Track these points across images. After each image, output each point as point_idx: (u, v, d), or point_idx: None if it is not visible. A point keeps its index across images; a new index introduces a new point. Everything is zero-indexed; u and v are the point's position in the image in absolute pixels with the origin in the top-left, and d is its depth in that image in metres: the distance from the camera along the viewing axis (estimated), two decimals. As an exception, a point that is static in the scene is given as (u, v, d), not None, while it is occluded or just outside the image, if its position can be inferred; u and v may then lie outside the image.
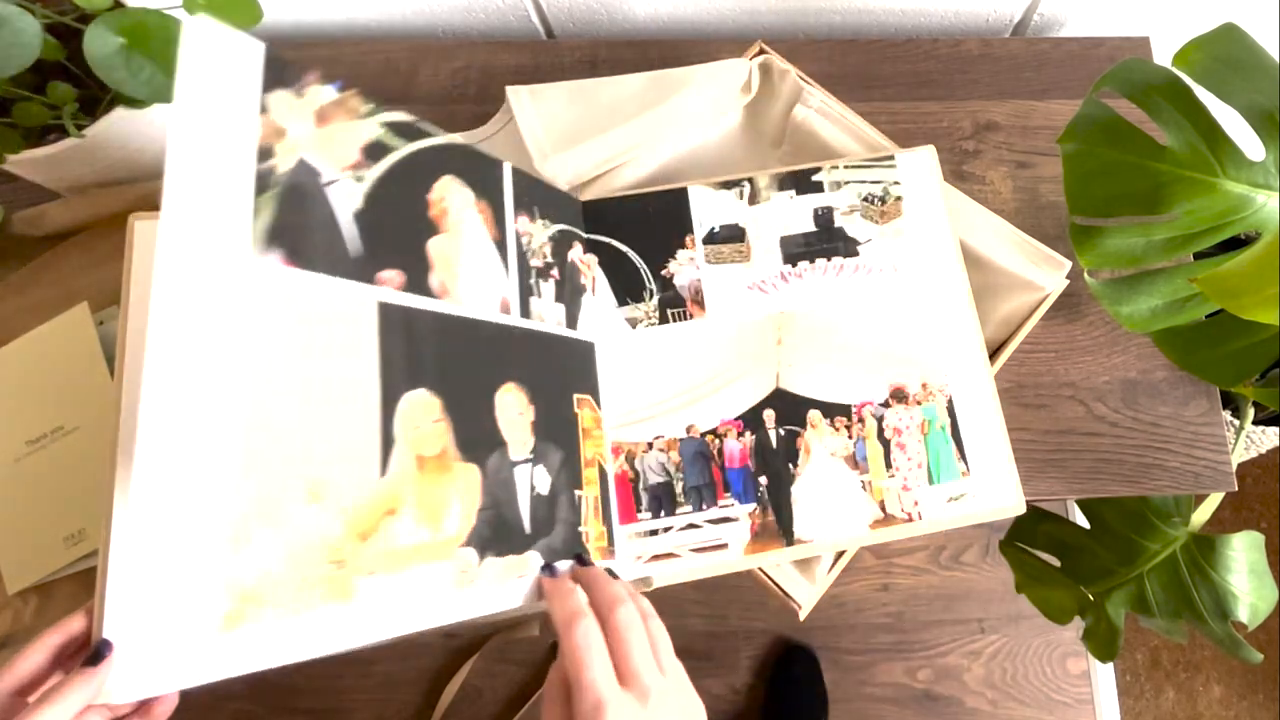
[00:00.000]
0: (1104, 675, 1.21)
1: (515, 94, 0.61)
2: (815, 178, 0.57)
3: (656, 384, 0.52)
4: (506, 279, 0.47)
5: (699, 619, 1.17)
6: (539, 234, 0.50)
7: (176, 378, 0.31)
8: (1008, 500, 0.50)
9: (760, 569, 0.53)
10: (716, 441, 0.51)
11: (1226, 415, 0.77)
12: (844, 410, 0.52)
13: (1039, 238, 0.59)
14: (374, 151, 0.40)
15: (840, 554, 0.55)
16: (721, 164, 0.64)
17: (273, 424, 0.33)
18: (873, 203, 0.56)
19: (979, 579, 1.22)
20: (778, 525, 0.50)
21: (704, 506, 0.50)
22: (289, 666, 0.43)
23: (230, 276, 0.33)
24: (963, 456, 0.51)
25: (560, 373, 0.49)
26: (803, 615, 0.54)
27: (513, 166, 0.50)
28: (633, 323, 0.53)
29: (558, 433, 0.47)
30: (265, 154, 0.35)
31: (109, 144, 0.54)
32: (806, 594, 0.54)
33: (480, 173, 0.47)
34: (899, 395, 0.53)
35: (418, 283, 0.41)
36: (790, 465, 0.51)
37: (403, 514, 0.37)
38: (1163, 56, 0.61)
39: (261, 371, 0.33)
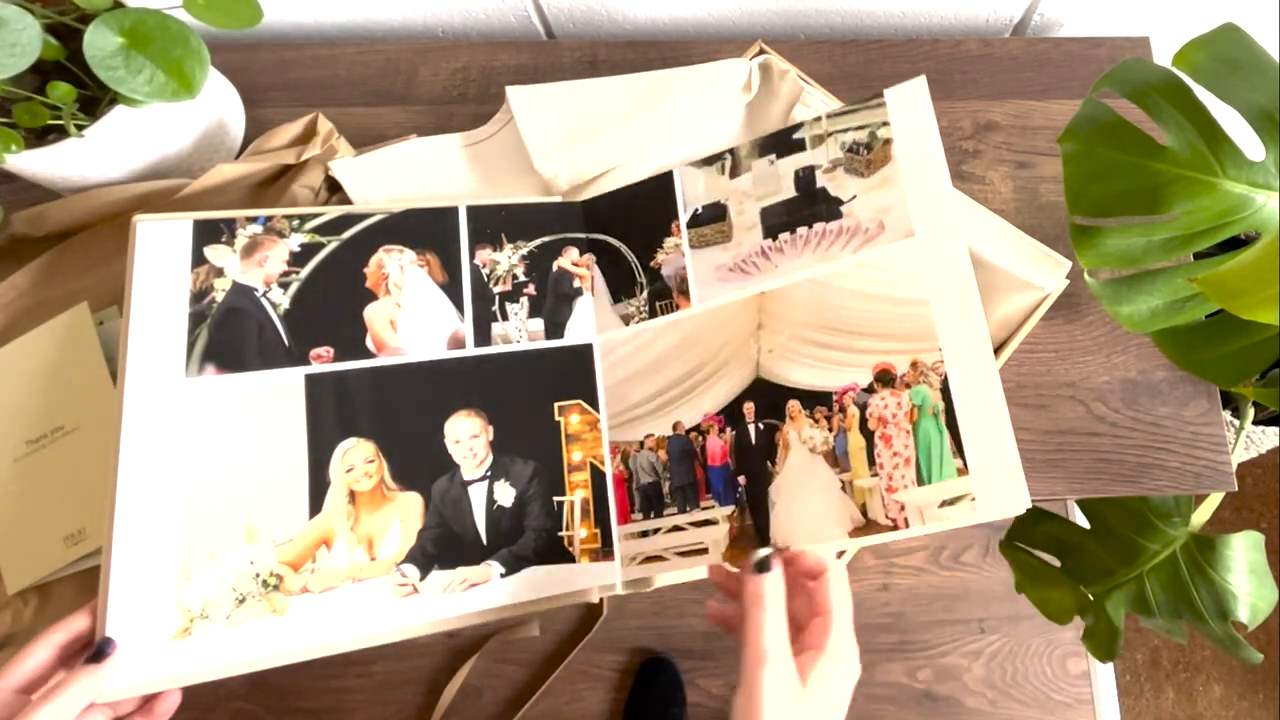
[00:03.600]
0: (1104, 675, 1.21)
1: (515, 94, 0.61)
2: (796, 135, 0.51)
3: (646, 381, 0.51)
4: (457, 315, 0.51)
5: (699, 619, 1.17)
6: (505, 260, 0.53)
7: (137, 469, 0.43)
8: (1012, 503, 0.41)
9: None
10: (700, 439, 0.49)
11: (1226, 415, 0.77)
12: (825, 399, 0.46)
13: (1039, 238, 0.59)
14: (302, 256, 0.50)
15: (840, 554, 0.55)
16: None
17: (211, 487, 0.44)
18: (858, 152, 0.49)
19: (979, 579, 1.22)
20: (755, 529, 0.46)
21: (687, 508, 0.48)
22: (290, 667, 0.43)
23: (173, 392, 0.45)
24: (959, 450, 0.42)
25: (533, 386, 0.51)
26: (803, 615, 0.54)
27: (470, 205, 0.54)
28: (626, 319, 0.53)
29: (528, 444, 0.50)
30: (204, 293, 0.47)
31: (109, 144, 0.54)
32: (806, 594, 0.53)
33: (425, 228, 0.52)
34: (884, 378, 0.45)
35: (350, 350, 0.49)
36: (769, 463, 0.47)
37: (337, 543, 0.45)
38: (1163, 56, 0.61)
39: (200, 451, 0.45)
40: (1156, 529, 0.67)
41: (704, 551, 0.47)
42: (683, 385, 0.51)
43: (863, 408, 0.45)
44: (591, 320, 0.53)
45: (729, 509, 0.47)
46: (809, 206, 0.50)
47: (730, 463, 0.48)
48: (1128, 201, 0.54)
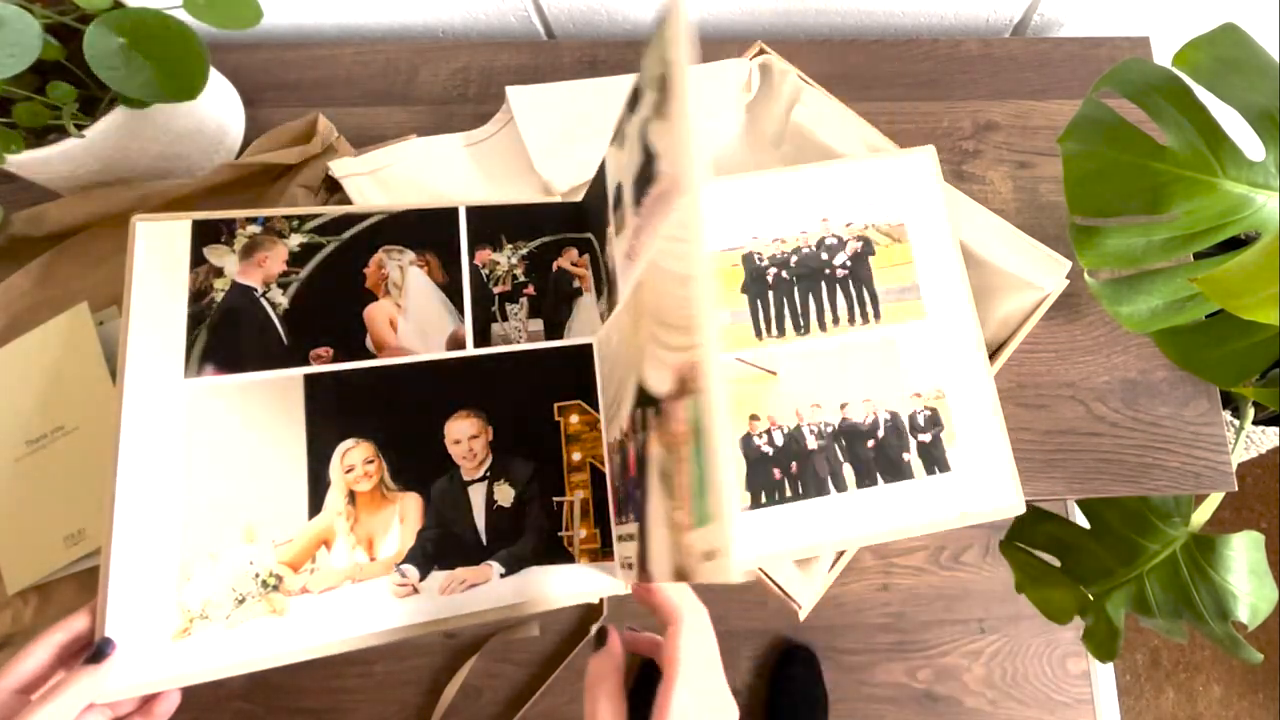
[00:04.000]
0: (1104, 675, 1.21)
1: (515, 94, 0.61)
2: (639, 84, 0.41)
3: (609, 383, 0.49)
4: (457, 315, 0.51)
5: (699, 619, 1.17)
6: (505, 260, 0.53)
7: (137, 469, 0.43)
8: (720, 572, 0.29)
9: (760, 569, 0.53)
10: (626, 446, 0.44)
11: (1226, 415, 0.77)
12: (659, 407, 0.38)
13: (1039, 238, 0.59)
14: (302, 256, 0.50)
15: (840, 554, 0.55)
16: (721, 164, 0.64)
17: (210, 487, 0.44)
18: (662, 89, 0.36)
19: (979, 579, 1.22)
20: (641, 551, 0.40)
21: (623, 519, 0.45)
22: (289, 667, 0.43)
23: (172, 392, 0.45)
24: (701, 491, 0.31)
25: (533, 386, 0.51)
26: (803, 615, 0.54)
27: (470, 206, 0.53)
28: (603, 317, 0.52)
29: (528, 445, 0.49)
30: (203, 293, 0.47)
31: (109, 144, 0.54)
32: (806, 594, 0.54)
33: (424, 228, 0.52)
34: (680, 383, 0.34)
35: (349, 350, 0.49)
36: (646, 479, 0.40)
37: (336, 543, 0.45)
38: (1163, 56, 0.61)
39: (198, 452, 0.45)
40: (1156, 529, 0.67)
41: (632, 566, 0.42)
42: (619, 388, 0.46)
43: (670, 421, 0.35)
44: (589, 320, 0.53)
45: (636, 525, 0.42)
46: (649, 170, 0.39)
47: (636, 475, 0.41)
48: (1128, 201, 0.54)
